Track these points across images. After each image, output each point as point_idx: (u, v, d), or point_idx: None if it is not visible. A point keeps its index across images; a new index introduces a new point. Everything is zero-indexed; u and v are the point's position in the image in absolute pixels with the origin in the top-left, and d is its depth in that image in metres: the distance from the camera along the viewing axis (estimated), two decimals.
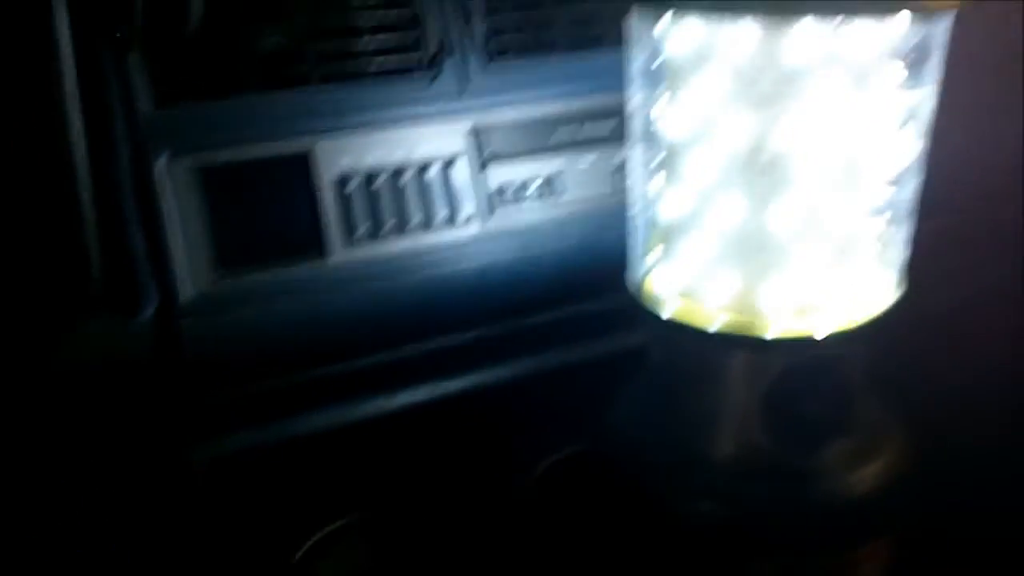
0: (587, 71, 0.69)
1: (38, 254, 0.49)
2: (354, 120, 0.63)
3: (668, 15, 0.50)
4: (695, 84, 0.50)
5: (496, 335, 0.68)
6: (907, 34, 0.48)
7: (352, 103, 0.63)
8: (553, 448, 0.63)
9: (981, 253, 0.75)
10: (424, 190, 0.65)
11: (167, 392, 0.60)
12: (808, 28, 0.46)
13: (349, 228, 0.63)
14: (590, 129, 0.69)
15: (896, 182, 0.51)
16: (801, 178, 0.49)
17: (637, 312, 0.55)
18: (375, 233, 0.63)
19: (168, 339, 0.59)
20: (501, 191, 0.67)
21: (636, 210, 0.56)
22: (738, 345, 0.51)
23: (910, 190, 0.51)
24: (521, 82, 0.68)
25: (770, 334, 0.50)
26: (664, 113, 0.53)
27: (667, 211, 0.54)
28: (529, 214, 0.67)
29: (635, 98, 0.54)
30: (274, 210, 0.62)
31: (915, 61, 0.48)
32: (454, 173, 0.65)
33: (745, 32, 0.47)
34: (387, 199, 0.64)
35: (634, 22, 0.52)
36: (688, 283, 0.53)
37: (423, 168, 0.65)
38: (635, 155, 0.55)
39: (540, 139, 0.68)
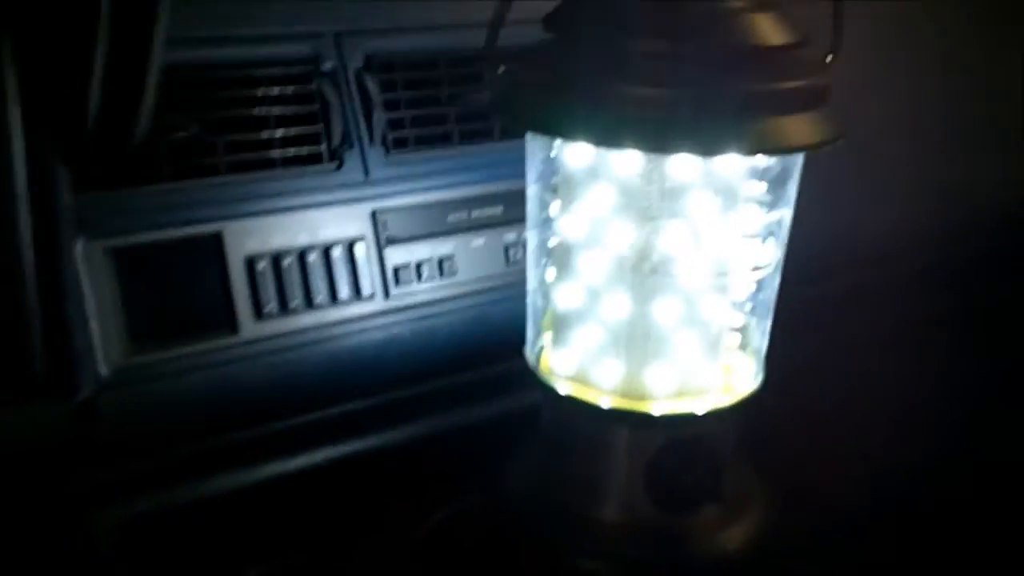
0: (478, 161, 0.75)
1: None
2: (263, 205, 0.67)
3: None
4: (586, 195, 0.57)
5: (395, 400, 0.73)
6: (768, 164, 0.56)
7: (260, 190, 0.67)
8: (447, 503, 0.69)
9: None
10: (329, 270, 0.69)
11: (81, 463, 0.63)
12: (683, 156, 0.53)
13: (258, 305, 0.67)
14: (480, 213, 0.75)
15: (759, 286, 0.59)
16: (680, 279, 0.56)
17: (529, 379, 0.62)
18: (283, 309, 0.68)
19: (86, 414, 0.62)
20: (399, 270, 0.72)
21: (531, 296, 0.62)
22: (625, 421, 0.58)
23: (771, 290, 0.60)
24: (418, 171, 0.73)
25: (654, 412, 0.57)
26: (558, 217, 0.59)
27: (560, 301, 0.60)
28: (426, 291, 0.73)
29: (531, 201, 0.61)
30: (187, 290, 0.65)
31: (776, 185, 0.57)
32: (356, 254, 0.70)
33: (629, 157, 0.55)
34: (294, 278, 0.68)
35: (529, 138, 0.59)
36: (579, 366, 0.60)
37: (327, 249, 0.69)
38: (531, 249, 0.62)
39: (435, 223, 0.73)
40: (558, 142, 0.58)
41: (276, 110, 0.69)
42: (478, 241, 0.75)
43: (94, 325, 0.61)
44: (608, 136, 0.51)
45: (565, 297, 0.60)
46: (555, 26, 0.54)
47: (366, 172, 0.71)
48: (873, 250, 0.95)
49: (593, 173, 0.56)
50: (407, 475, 0.70)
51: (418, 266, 0.73)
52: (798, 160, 0.57)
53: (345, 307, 0.70)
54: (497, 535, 0.64)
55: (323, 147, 0.70)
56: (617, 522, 0.60)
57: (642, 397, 0.58)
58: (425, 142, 0.74)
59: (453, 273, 0.74)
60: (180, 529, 0.65)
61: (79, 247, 0.61)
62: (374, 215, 0.71)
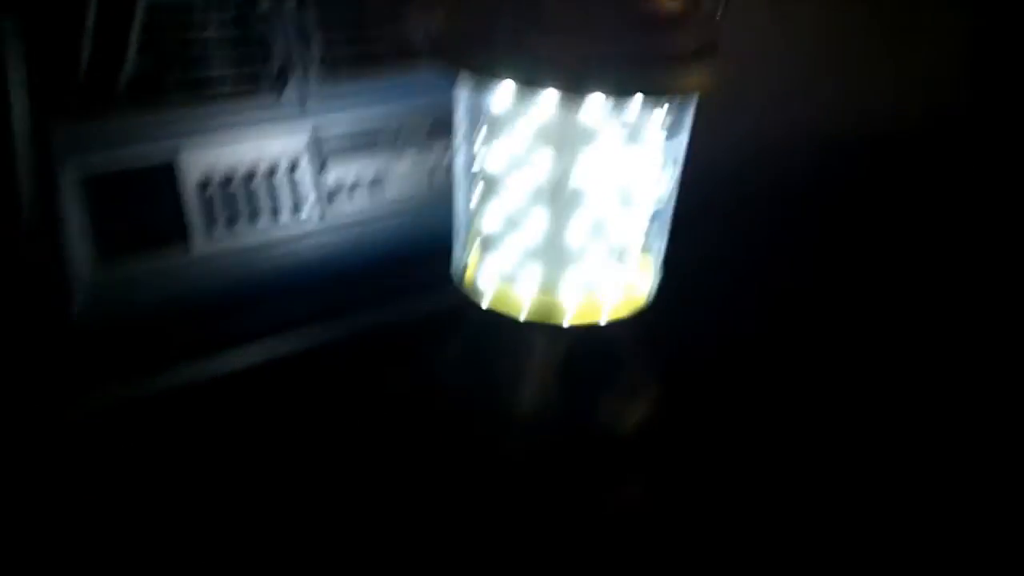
0: (407, 85, 0.82)
1: None
2: (212, 132, 0.74)
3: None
4: (509, 132, 0.65)
5: (333, 303, 0.81)
6: (667, 105, 0.65)
7: (209, 119, 0.74)
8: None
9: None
10: (272, 189, 0.77)
11: (58, 361, 0.70)
12: (595, 98, 0.62)
13: (209, 223, 0.74)
14: (408, 135, 0.83)
15: (659, 204, 0.68)
16: (590, 203, 0.65)
17: (450, 285, 0.70)
18: (231, 226, 0.75)
19: (63, 318, 0.68)
20: (337, 188, 0.79)
21: (458, 219, 0.71)
22: (539, 328, 0.67)
23: (668, 210, 0.69)
24: (352, 94, 0.80)
25: (565, 321, 0.66)
26: (482, 150, 0.67)
27: (485, 223, 0.69)
28: (360, 206, 0.81)
29: (459, 134, 0.68)
30: (145, 210, 0.72)
31: (673, 121, 0.66)
32: (298, 174, 0.77)
33: (547, 97, 0.63)
34: (241, 198, 0.75)
35: (459, 79, 0.66)
36: (501, 280, 0.68)
37: (271, 171, 0.76)
38: (458, 177, 0.69)
39: (367, 143, 0.81)
40: (484, 85, 0.65)
41: (221, 42, 0.74)
42: (406, 161, 0.83)
43: (70, 244, 0.68)
44: (531, 78, 0.59)
45: (489, 220, 0.68)
46: None
47: (306, 97, 0.78)
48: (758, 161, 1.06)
49: (515, 112, 0.64)
50: (343, 372, 0.79)
51: (352, 184, 0.80)
52: (691, 100, 0.66)
53: (286, 224, 0.78)
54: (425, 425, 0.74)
55: (265, 75, 0.76)
56: (533, 413, 0.69)
57: (556, 307, 0.67)
58: (358, 66, 0.81)
59: (384, 190, 0.82)
60: (146, 419, 0.73)
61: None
62: (313, 138, 0.78)
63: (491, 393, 0.70)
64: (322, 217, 0.79)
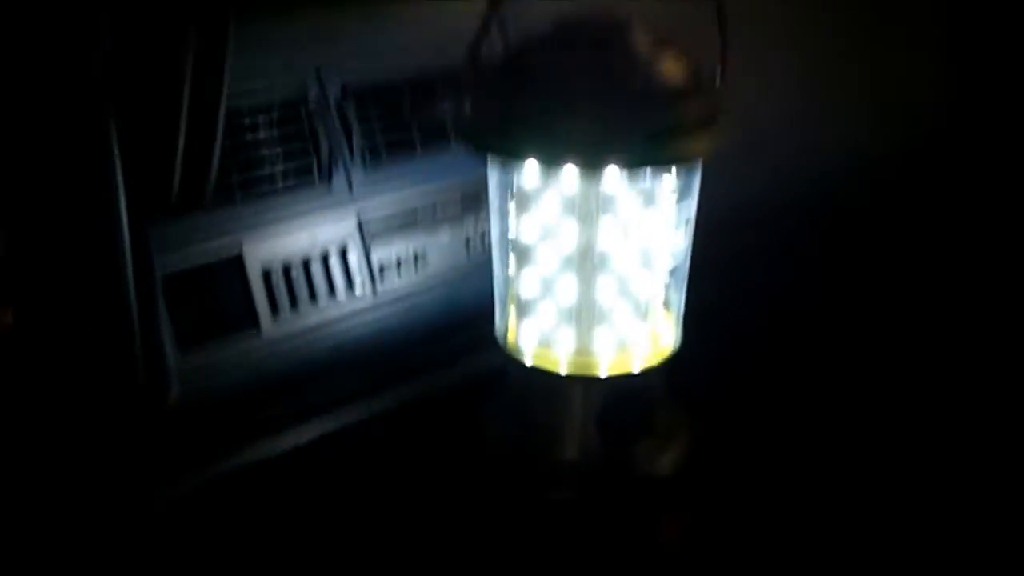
0: (438, 167, 0.91)
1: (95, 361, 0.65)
2: (271, 224, 0.82)
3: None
4: (538, 203, 0.72)
5: (388, 372, 0.89)
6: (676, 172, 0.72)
7: (268, 212, 0.82)
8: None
9: None
10: (328, 271, 0.84)
11: (155, 444, 0.77)
12: (612, 170, 0.69)
13: (275, 307, 0.82)
14: (444, 210, 0.91)
15: (676, 260, 0.75)
16: (614, 265, 0.72)
17: (493, 346, 0.77)
18: (294, 309, 0.83)
19: (160, 405, 0.76)
20: (385, 265, 0.87)
21: (498, 286, 0.78)
22: (578, 380, 0.74)
23: (685, 265, 0.76)
24: (391, 178, 0.88)
25: (600, 372, 0.73)
26: (514, 222, 0.75)
27: (521, 289, 0.76)
28: (406, 280, 0.89)
29: (492, 208, 0.76)
30: (217, 301, 0.80)
31: (683, 185, 0.73)
32: (349, 255, 0.85)
33: (570, 172, 0.70)
34: (300, 282, 0.83)
35: (490, 159, 0.74)
36: (540, 339, 0.75)
37: (325, 254, 0.85)
38: (494, 247, 0.77)
39: (408, 222, 0.89)
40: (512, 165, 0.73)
41: (275, 144, 0.83)
42: (444, 235, 0.91)
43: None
44: (555, 157, 0.67)
45: (525, 286, 0.75)
46: (507, 68, 0.69)
47: (351, 186, 0.86)
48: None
49: (542, 185, 0.72)
50: (404, 433, 0.86)
51: (397, 262, 0.88)
52: (698, 165, 0.73)
53: (342, 303, 0.85)
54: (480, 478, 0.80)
55: (314, 170, 0.85)
56: (574, 459, 0.76)
57: (591, 360, 0.74)
58: (395, 154, 0.89)
59: (426, 264, 0.89)
60: (230, 494, 0.80)
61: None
62: (358, 222, 0.86)
63: (538, 442, 0.77)
64: (374, 293, 0.86)
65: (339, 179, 0.86)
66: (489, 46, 0.68)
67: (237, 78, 0.80)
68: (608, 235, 0.71)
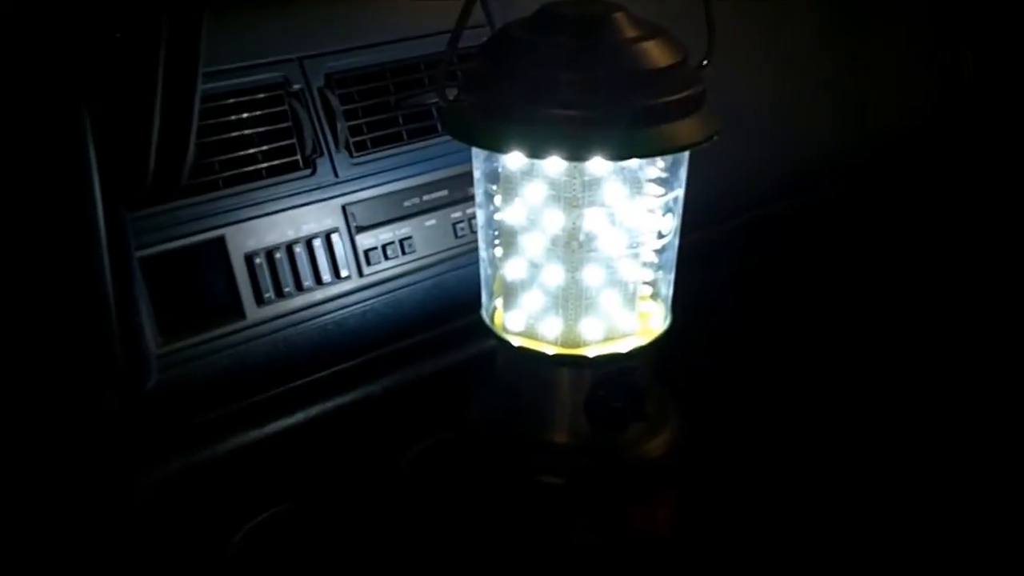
0: (425, 155, 0.91)
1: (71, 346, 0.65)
2: (254, 209, 0.82)
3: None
4: (524, 190, 0.72)
5: (374, 359, 0.89)
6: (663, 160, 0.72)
7: (252, 198, 0.82)
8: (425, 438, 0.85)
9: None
10: (312, 258, 0.84)
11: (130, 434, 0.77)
12: (597, 160, 0.69)
13: (258, 293, 0.82)
14: (429, 198, 0.90)
15: (662, 249, 0.75)
16: (602, 249, 0.72)
17: (481, 332, 0.77)
18: (278, 294, 0.82)
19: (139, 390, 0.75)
20: (368, 252, 0.87)
21: (483, 268, 0.77)
22: (566, 363, 0.74)
23: (672, 253, 0.76)
24: (377, 168, 0.88)
25: (588, 355, 0.73)
26: (501, 207, 0.74)
27: (507, 273, 0.75)
28: (391, 268, 0.88)
29: (479, 195, 0.75)
30: (199, 286, 0.80)
31: (670, 173, 0.73)
32: (333, 242, 0.85)
33: (554, 161, 0.70)
34: (285, 268, 0.83)
35: (475, 148, 0.73)
36: (527, 323, 0.75)
37: (310, 241, 0.84)
38: (480, 231, 0.77)
39: (394, 210, 0.89)
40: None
41: (258, 131, 0.82)
42: (430, 222, 0.90)
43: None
44: (539, 149, 0.66)
45: (512, 270, 0.75)
46: (490, 57, 0.69)
47: (335, 174, 0.86)
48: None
49: (527, 172, 0.71)
50: (390, 418, 0.86)
51: (383, 248, 0.87)
52: (685, 152, 0.73)
53: (328, 287, 0.85)
54: (467, 461, 0.80)
55: (298, 157, 0.84)
56: (563, 443, 0.76)
57: (578, 344, 0.74)
58: (380, 142, 0.89)
59: (412, 251, 0.89)
60: (208, 479, 0.80)
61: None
62: (344, 209, 0.86)
63: (526, 426, 0.77)
64: (360, 277, 0.86)
65: (324, 165, 0.85)
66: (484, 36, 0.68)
67: (220, 64, 0.81)
68: (594, 220, 0.71)
